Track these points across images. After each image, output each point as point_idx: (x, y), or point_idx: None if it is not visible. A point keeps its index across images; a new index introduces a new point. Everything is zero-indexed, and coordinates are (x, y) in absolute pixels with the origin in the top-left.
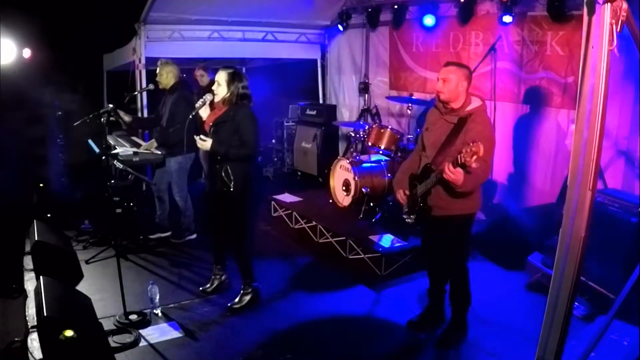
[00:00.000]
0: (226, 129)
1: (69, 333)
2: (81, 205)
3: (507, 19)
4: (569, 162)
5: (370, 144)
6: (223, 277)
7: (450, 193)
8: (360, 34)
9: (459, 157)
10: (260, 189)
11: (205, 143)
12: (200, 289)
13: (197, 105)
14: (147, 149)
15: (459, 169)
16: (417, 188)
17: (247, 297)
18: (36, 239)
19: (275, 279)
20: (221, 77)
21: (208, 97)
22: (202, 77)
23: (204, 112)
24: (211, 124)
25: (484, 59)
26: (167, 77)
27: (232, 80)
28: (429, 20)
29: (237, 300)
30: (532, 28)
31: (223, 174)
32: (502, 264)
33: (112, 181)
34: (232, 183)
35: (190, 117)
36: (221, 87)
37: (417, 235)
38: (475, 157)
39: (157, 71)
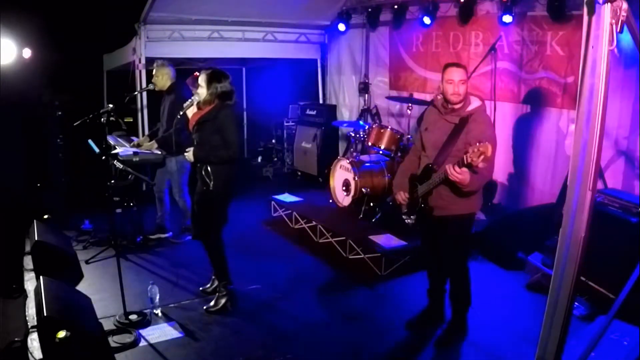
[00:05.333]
0: (207, 129)
1: (61, 334)
2: (81, 206)
3: (507, 18)
4: (569, 162)
5: (370, 144)
6: None
7: (456, 193)
8: (360, 34)
9: (465, 157)
10: (257, 189)
11: (189, 154)
12: (200, 289)
13: (185, 105)
14: (147, 149)
15: (465, 169)
16: (417, 188)
17: (223, 300)
18: (36, 239)
19: (275, 279)
20: (202, 79)
21: (195, 97)
22: None
23: (191, 112)
24: (194, 123)
25: (484, 59)
26: (162, 79)
27: (210, 81)
28: (426, 20)
29: (212, 303)
30: (532, 28)
31: (203, 173)
32: (502, 264)
33: (112, 181)
34: (212, 183)
35: (178, 116)
36: (202, 89)
37: (417, 235)
38: (482, 157)
39: (154, 72)
